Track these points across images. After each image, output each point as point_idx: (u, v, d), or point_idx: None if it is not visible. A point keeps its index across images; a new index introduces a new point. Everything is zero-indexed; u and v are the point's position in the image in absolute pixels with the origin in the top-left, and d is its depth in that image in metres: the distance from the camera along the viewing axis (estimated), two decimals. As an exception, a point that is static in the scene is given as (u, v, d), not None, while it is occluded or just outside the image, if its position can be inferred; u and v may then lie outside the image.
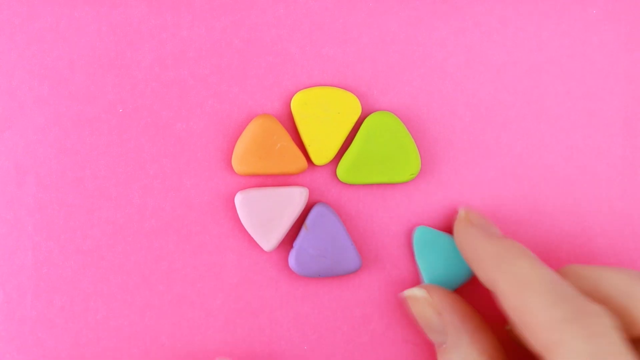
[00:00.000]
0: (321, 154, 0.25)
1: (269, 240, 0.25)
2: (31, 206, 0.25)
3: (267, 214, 0.24)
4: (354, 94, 0.26)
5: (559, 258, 0.26)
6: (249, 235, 0.25)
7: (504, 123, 0.26)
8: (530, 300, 0.18)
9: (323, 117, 0.25)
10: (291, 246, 0.25)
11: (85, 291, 0.25)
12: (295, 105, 0.25)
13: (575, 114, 0.27)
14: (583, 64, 0.27)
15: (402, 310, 0.26)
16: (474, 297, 0.25)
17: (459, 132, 0.26)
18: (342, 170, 0.25)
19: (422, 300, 0.23)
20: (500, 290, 0.20)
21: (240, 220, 0.25)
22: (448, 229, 0.26)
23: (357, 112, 0.25)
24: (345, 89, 0.25)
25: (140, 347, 0.25)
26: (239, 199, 0.24)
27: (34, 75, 0.25)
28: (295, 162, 0.25)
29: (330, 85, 0.26)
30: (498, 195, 0.26)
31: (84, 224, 0.25)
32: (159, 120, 0.25)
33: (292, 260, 0.25)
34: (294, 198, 0.25)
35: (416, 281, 0.26)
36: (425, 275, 0.25)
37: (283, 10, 0.26)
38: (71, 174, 0.25)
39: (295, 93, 0.25)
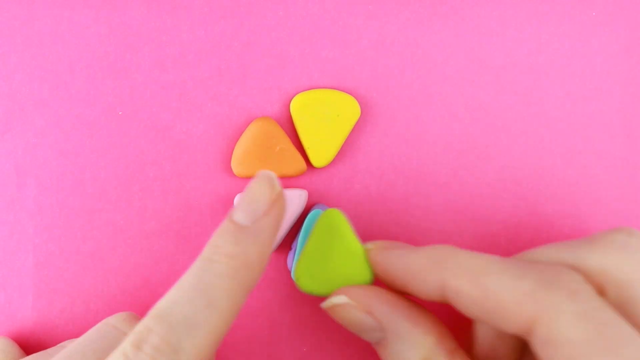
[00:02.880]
0: (320, 156, 0.25)
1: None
2: (31, 208, 0.25)
3: (266, 216, 0.24)
4: (353, 96, 0.26)
5: (558, 260, 0.26)
6: (249, 237, 0.25)
7: (503, 125, 0.26)
8: (492, 283, 0.18)
9: (322, 119, 0.25)
10: (290, 248, 0.25)
11: (86, 293, 0.25)
12: (295, 108, 0.25)
13: (575, 116, 0.27)
14: (583, 65, 0.27)
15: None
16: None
17: (459, 134, 0.26)
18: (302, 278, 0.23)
19: (345, 307, 0.21)
20: (454, 289, 0.19)
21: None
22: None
23: (356, 115, 0.25)
24: (344, 92, 0.25)
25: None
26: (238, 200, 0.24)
27: (34, 78, 0.25)
28: (294, 164, 0.25)
29: (329, 88, 0.26)
30: (498, 198, 0.26)
31: (84, 226, 0.25)
32: (159, 122, 0.25)
33: (291, 261, 0.25)
34: (293, 200, 0.25)
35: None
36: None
37: (282, 12, 0.26)
38: (71, 176, 0.25)
39: (294, 95, 0.25)
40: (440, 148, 0.26)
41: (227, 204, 0.25)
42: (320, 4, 0.26)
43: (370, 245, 0.23)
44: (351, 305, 0.21)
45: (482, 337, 0.22)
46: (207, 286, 0.18)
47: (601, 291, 0.19)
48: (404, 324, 0.20)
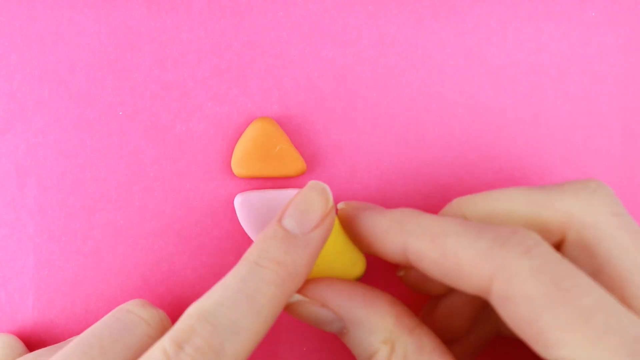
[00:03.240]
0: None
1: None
2: (32, 208, 0.25)
3: (266, 216, 0.24)
4: (353, 96, 0.26)
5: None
6: (249, 237, 0.25)
7: (503, 125, 0.26)
8: (450, 244, 0.18)
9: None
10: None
11: (86, 293, 0.25)
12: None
13: (574, 116, 0.27)
14: (582, 66, 0.27)
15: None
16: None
17: (458, 134, 0.26)
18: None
19: (300, 304, 0.21)
20: (415, 251, 0.19)
21: (239, 222, 0.25)
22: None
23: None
24: (344, 92, 0.26)
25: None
26: (238, 201, 0.25)
27: (34, 78, 0.25)
28: (294, 164, 0.25)
29: (329, 88, 0.26)
30: (497, 197, 0.26)
31: (84, 225, 0.25)
32: (159, 122, 0.25)
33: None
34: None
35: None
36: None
37: (282, 12, 0.26)
38: (72, 176, 0.25)
39: (294, 95, 0.25)
40: (440, 148, 0.26)
41: (227, 204, 0.25)
42: (320, 3, 0.26)
43: (342, 204, 0.23)
44: (305, 301, 0.21)
45: (441, 308, 0.23)
46: (254, 292, 0.18)
47: (562, 237, 0.19)
48: (359, 310, 0.20)
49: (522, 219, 0.20)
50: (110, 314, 0.22)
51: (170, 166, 0.25)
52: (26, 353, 0.24)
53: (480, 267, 0.17)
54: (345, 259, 0.22)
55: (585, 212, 0.19)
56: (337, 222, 0.22)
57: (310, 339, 0.26)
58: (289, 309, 0.22)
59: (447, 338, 0.23)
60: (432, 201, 0.26)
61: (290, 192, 0.25)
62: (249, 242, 0.26)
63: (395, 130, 0.26)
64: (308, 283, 0.21)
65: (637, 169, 0.27)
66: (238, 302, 0.18)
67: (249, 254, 0.19)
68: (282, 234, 0.19)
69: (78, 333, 0.25)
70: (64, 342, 0.23)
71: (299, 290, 0.21)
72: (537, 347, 0.16)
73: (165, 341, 0.17)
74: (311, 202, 0.20)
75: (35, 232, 0.25)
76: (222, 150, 0.25)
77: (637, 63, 0.27)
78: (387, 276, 0.26)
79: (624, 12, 0.27)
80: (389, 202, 0.26)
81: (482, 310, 0.22)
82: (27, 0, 0.25)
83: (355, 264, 0.22)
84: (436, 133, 0.26)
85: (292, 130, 0.26)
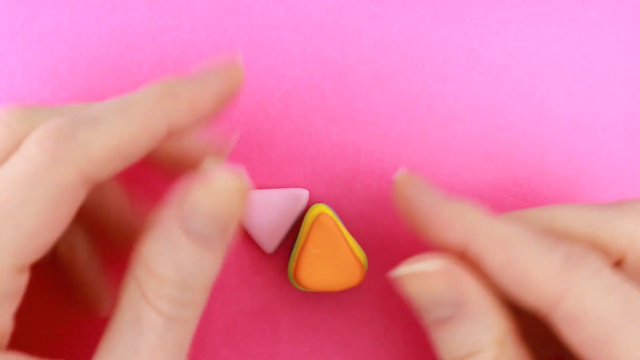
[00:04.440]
0: None
1: (269, 241, 0.25)
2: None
3: (268, 215, 0.24)
4: (353, 95, 0.26)
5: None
6: (250, 237, 0.25)
7: (504, 125, 0.26)
8: (519, 253, 0.17)
9: None
10: (290, 248, 0.25)
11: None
12: None
13: (576, 116, 0.27)
14: (583, 66, 0.27)
15: (403, 313, 0.26)
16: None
17: (460, 135, 0.26)
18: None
19: (428, 275, 0.19)
20: (477, 250, 0.18)
21: (240, 222, 0.25)
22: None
23: None
24: (346, 91, 0.26)
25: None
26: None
27: (35, 78, 0.25)
28: (352, 272, 0.23)
29: (330, 87, 0.26)
30: (499, 198, 0.26)
31: (84, 225, 0.25)
32: (160, 122, 0.25)
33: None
34: (295, 200, 0.25)
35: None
36: None
37: (284, 12, 0.26)
38: (72, 175, 0.25)
39: (295, 95, 0.25)
40: (441, 148, 0.26)
41: (227, 204, 0.25)
42: (321, 3, 0.26)
43: (401, 172, 0.21)
44: (438, 273, 0.19)
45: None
46: (127, 99, 0.17)
47: (620, 259, 0.19)
48: (485, 302, 0.18)
49: (580, 239, 0.19)
50: None
51: (170, 166, 0.25)
52: None
53: (550, 282, 0.17)
54: (344, 267, 0.22)
55: None
56: (337, 228, 0.22)
57: (310, 339, 0.26)
58: (408, 279, 0.19)
59: None
60: (433, 201, 0.26)
61: (291, 192, 0.25)
62: (250, 241, 0.25)
63: (396, 130, 0.26)
64: (434, 257, 0.19)
65: (639, 168, 0.27)
66: (108, 103, 0.17)
67: None
68: None
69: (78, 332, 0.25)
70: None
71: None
72: None
73: (28, 142, 0.16)
74: (216, 59, 0.20)
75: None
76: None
77: (637, 62, 0.27)
78: (387, 278, 0.26)
79: (625, 12, 0.27)
80: (389, 202, 0.26)
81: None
82: (28, -1, 0.25)
83: (354, 272, 0.22)
84: (437, 133, 0.26)
85: (292, 130, 0.26)
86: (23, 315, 0.17)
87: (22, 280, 0.16)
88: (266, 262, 0.26)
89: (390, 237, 0.26)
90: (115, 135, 0.16)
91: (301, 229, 0.24)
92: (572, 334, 0.17)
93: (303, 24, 0.26)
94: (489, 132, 0.26)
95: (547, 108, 0.27)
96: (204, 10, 0.25)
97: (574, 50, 0.27)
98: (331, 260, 0.22)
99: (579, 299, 0.16)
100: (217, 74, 0.19)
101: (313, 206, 0.24)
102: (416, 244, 0.26)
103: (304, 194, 0.25)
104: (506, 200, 0.26)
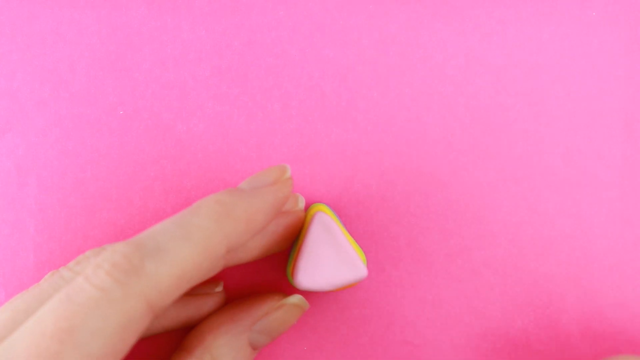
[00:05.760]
0: None
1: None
2: (32, 207, 0.25)
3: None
4: (353, 95, 0.26)
5: (558, 261, 0.26)
6: (249, 237, 0.25)
7: (503, 125, 0.26)
8: None
9: None
10: (291, 247, 0.25)
11: (86, 292, 0.25)
12: None
13: (575, 116, 0.27)
14: (583, 65, 0.27)
15: (402, 312, 0.26)
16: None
17: (459, 134, 0.26)
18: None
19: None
20: None
21: None
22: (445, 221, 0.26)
23: None
24: (345, 91, 0.26)
25: (142, 349, 0.25)
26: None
27: (35, 78, 0.25)
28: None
29: (330, 87, 0.26)
30: (498, 197, 0.26)
31: (84, 225, 0.25)
32: (160, 121, 0.25)
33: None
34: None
35: (415, 282, 0.26)
36: None
37: (283, 12, 0.26)
38: (72, 175, 0.25)
39: (295, 94, 0.25)
40: (440, 148, 0.26)
41: (227, 204, 0.25)
42: (321, 3, 0.26)
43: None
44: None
45: None
46: (187, 223, 0.17)
47: None
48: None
49: None
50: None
51: (170, 165, 0.25)
52: None
53: None
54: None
55: None
56: (339, 227, 0.22)
57: (310, 339, 0.26)
58: None
59: None
60: (433, 200, 0.26)
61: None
62: (249, 241, 0.26)
63: (396, 130, 0.26)
64: None
65: (638, 168, 0.27)
66: (168, 228, 0.17)
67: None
68: (230, 188, 0.19)
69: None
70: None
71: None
72: None
73: (89, 266, 0.16)
74: (264, 172, 0.20)
75: (36, 231, 0.25)
76: (222, 149, 0.25)
77: (637, 62, 0.27)
78: (386, 278, 0.26)
79: (624, 12, 0.27)
80: (389, 201, 0.26)
81: None
82: (27, -1, 0.25)
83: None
84: (437, 133, 0.26)
85: (292, 130, 0.26)
86: None
87: None
88: (265, 261, 0.26)
89: (389, 237, 0.26)
90: (180, 264, 0.17)
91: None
92: None
93: (303, 24, 0.26)
94: (488, 131, 0.26)
95: (547, 107, 0.27)
96: (204, 10, 0.25)
97: (573, 50, 0.27)
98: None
99: None
100: (269, 189, 0.20)
101: (312, 205, 0.24)
102: (415, 243, 0.26)
103: (301, 196, 0.25)
104: (505, 199, 0.26)
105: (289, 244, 0.23)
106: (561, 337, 0.26)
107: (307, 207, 0.25)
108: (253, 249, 0.22)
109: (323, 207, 0.24)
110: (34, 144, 0.25)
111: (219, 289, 0.23)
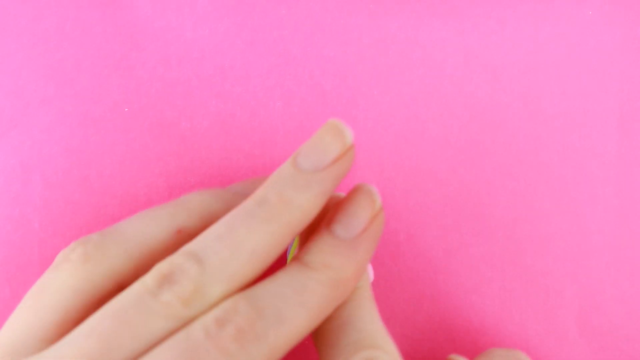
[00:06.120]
0: None
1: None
2: (37, 204, 0.25)
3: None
4: (353, 94, 0.26)
5: (555, 256, 0.26)
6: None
7: (501, 123, 0.27)
8: None
9: None
10: (290, 247, 0.25)
11: (91, 287, 0.25)
12: None
13: (572, 114, 0.27)
14: (579, 64, 0.27)
15: (402, 311, 0.26)
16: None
17: (458, 131, 0.26)
18: None
19: None
20: None
21: None
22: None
23: None
24: (346, 90, 0.26)
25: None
26: (241, 197, 0.25)
27: (39, 75, 0.25)
28: None
29: (331, 86, 0.26)
30: (494, 194, 0.27)
31: (89, 221, 0.25)
32: (164, 119, 0.25)
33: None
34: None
35: (414, 277, 0.26)
36: None
37: (285, 12, 0.26)
38: (77, 172, 0.25)
39: (296, 92, 0.25)
40: (439, 146, 0.26)
41: (230, 200, 0.26)
42: (322, 3, 0.26)
43: None
44: None
45: None
46: (303, 287, 0.17)
47: None
48: None
49: None
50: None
51: (174, 162, 0.25)
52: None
53: None
54: None
55: None
56: None
57: (309, 338, 0.26)
58: None
59: None
60: (432, 198, 0.26)
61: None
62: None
63: (396, 128, 0.26)
64: None
65: (634, 166, 0.27)
66: (287, 293, 0.17)
67: (298, 254, 0.18)
68: (331, 240, 0.18)
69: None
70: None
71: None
72: None
73: (209, 318, 0.16)
74: (359, 205, 0.19)
75: (40, 227, 0.25)
76: (226, 146, 0.26)
77: (634, 62, 0.27)
78: (386, 273, 0.26)
79: (621, 11, 0.27)
80: (389, 199, 0.26)
81: None
82: (33, -2, 0.25)
83: None
84: (436, 131, 0.26)
85: (293, 128, 0.26)
86: None
87: None
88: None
89: (389, 236, 0.26)
90: (298, 334, 0.17)
91: None
92: None
93: (304, 23, 0.26)
94: (486, 129, 0.27)
95: (544, 106, 0.27)
96: (207, 9, 0.26)
97: (570, 49, 0.27)
98: None
99: None
100: (372, 240, 0.19)
101: None
102: (415, 242, 0.26)
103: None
104: (503, 195, 0.26)
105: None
106: (559, 332, 0.26)
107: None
108: None
109: None
110: (38, 141, 0.25)
111: None
